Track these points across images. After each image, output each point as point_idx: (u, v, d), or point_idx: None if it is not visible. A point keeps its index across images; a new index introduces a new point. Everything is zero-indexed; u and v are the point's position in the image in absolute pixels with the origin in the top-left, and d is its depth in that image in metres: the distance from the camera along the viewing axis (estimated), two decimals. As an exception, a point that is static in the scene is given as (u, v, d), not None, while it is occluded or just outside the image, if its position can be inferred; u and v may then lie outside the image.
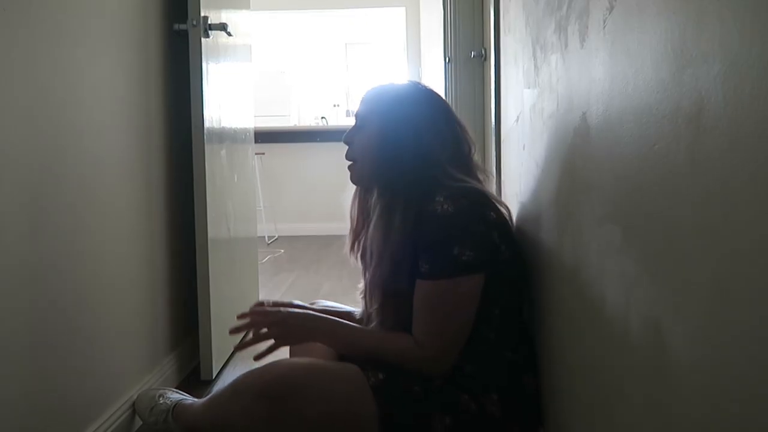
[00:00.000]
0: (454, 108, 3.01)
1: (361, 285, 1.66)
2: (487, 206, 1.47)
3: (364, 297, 1.62)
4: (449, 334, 1.46)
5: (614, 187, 1.01)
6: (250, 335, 1.53)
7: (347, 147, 1.62)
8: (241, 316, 1.53)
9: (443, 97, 1.66)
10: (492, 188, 1.64)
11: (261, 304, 1.57)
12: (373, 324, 1.56)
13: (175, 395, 1.85)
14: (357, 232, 1.67)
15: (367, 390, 1.42)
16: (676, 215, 0.77)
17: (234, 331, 1.54)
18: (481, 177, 1.60)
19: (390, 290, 1.50)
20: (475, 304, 1.46)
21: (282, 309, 1.55)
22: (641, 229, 0.90)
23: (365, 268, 1.62)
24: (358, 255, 1.67)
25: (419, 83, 1.66)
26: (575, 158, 1.24)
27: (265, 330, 1.52)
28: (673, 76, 0.77)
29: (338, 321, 1.56)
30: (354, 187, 1.68)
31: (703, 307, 0.71)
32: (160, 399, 1.81)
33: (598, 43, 1.07)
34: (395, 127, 1.54)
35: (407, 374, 1.46)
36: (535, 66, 1.59)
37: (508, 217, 1.54)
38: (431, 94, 1.63)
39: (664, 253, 0.81)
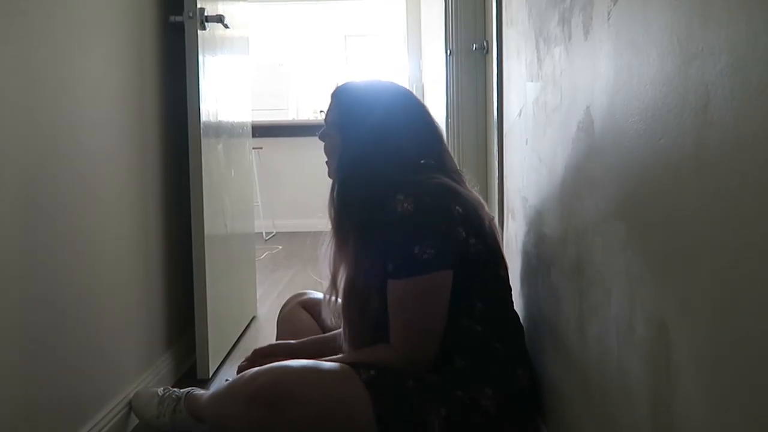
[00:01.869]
0: (455, 102, 3.02)
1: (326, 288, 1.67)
2: (451, 201, 1.48)
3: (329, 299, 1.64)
4: (417, 331, 1.49)
5: (619, 182, 1.01)
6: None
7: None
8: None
9: (412, 93, 1.69)
10: (470, 184, 1.65)
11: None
12: (346, 331, 1.59)
13: (178, 390, 1.87)
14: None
15: (360, 387, 1.44)
16: (681, 211, 0.77)
17: None
18: (455, 176, 1.61)
19: (358, 295, 1.54)
20: (444, 300, 1.48)
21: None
22: (646, 225, 0.90)
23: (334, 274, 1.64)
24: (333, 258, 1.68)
25: (385, 81, 1.70)
26: (579, 153, 1.24)
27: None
28: (678, 70, 0.77)
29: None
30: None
31: (709, 304, 0.71)
32: (166, 392, 1.82)
33: (603, 36, 1.07)
34: (355, 135, 1.58)
35: (398, 370, 1.47)
36: (538, 59, 1.59)
37: (479, 209, 1.54)
38: (397, 91, 1.66)
39: (670, 249, 0.82)
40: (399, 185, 1.48)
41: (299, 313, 1.95)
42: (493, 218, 1.60)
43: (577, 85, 1.24)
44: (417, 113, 1.64)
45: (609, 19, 1.03)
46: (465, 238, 1.48)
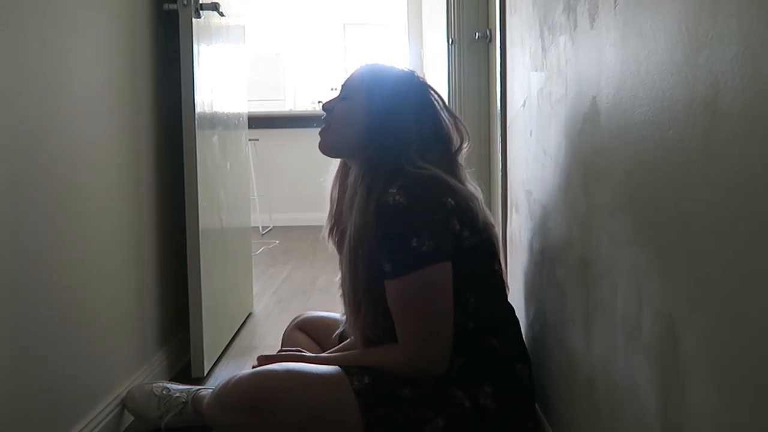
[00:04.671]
0: (457, 92, 3.02)
1: (339, 278, 1.66)
2: (443, 194, 1.47)
3: (342, 294, 1.63)
4: (429, 330, 1.46)
5: (626, 174, 1.01)
6: None
7: (325, 114, 1.67)
8: None
9: (438, 93, 1.67)
10: (472, 180, 1.64)
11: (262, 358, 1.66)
12: (354, 330, 1.58)
13: (175, 387, 1.88)
14: (336, 216, 1.70)
15: (349, 395, 1.43)
16: (690, 205, 0.77)
17: None
18: (462, 177, 1.60)
19: (365, 287, 1.52)
20: (448, 293, 1.46)
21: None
22: (654, 219, 0.90)
23: (341, 258, 1.63)
24: (336, 241, 1.70)
25: (416, 73, 1.69)
26: (585, 144, 1.24)
27: None
28: (687, 59, 0.77)
29: (328, 356, 1.60)
30: (336, 167, 1.72)
31: (718, 301, 0.71)
32: (164, 392, 1.84)
33: (609, 24, 1.07)
34: (380, 105, 1.57)
35: (397, 378, 1.47)
36: (543, 48, 1.58)
37: (471, 202, 1.53)
38: (424, 86, 1.65)
39: (678, 244, 0.81)
40: (397, 174, 1.48)
41: (297, 336, 1.97)
42: (487, 211, 1.59)
43: (583, 75, 1.24)
44: (440, 115, 1.63)
45: (615, 6, 1.03)
46: (459, 231, 1.47)
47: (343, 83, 1.68)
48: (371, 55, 8.59)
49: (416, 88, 1.63)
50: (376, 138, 1.55)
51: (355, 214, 1.52)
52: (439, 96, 1.67)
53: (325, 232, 1.70)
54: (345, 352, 1.61)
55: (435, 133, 1.61)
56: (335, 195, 1.70)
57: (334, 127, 1.64)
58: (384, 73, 1.65)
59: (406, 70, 1.69)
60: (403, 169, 1.50)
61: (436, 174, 1.51)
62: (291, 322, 2.04)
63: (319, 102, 7.59)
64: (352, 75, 1.67)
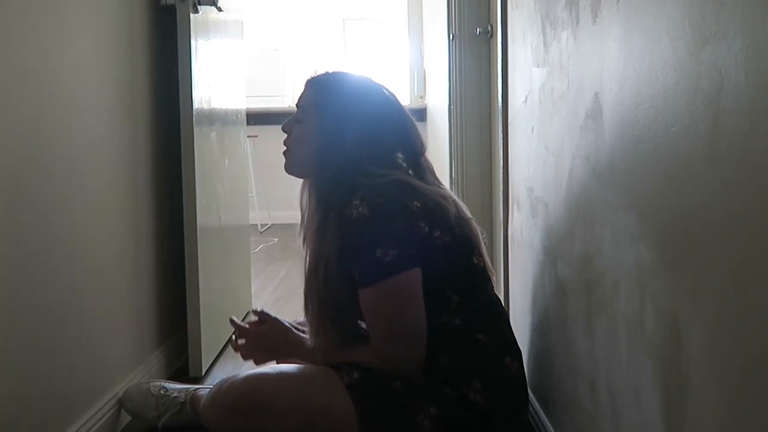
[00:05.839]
0: (458, 88, 3.02)
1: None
2: (408, 197, 1.49)
3: (305, 314, 1.65)
4: (400, 336, 1.50)
5: (629, 172, 1.01)
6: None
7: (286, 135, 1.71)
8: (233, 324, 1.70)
9: (394, 96, 1.69)
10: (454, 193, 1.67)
11: (255, 312, 1.71)
12: (317, 340, 1.60)
13: (173, 386, 1.89)
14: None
15: (341, 392, 1.46)
16: (694, 201, 0.77)
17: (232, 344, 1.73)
18: (430, 179, 1.63)
19: (326, 301, 1.55)
20: (417, 299, 1.49)
21: (263, 330, 1.68)
22: (657, 216, 0.90)
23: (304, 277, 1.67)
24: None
25: (371, 79, 1.71)
26: (587, 141, 1.23)
27: (243, 341, 1.68)
28: (691, 54, 0.77)
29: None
30: None
31: (722, 299, 0.71)
32: (161, 391, 1.85)
33: (612, 19, 1.07)
34: (331, 123, 1.60)
35: (384, 372, 1.49)
36: (545, 43, 1.58)
37: (440, 201, 1.54)
38: (381, 91, 1.67)
39: (683, 242, 0.81)
40: (358, 186, 1.50)
41: None
42: (462, 207, 1.61)
43: (585, 71, 1.24)
44: (398, 120, 1.66)
45: (618, 1, 1.03)
46: (428, 232, 1.48)
47: (297, 102, 1.70)
48: (371, 50, 8.60)
49: (373, 95, 1.65)
50: (329, 160, 1.58)
51: (312, 240, 1.58)
52: (398, 100, 1.69)
53: (300, 240, 1.72)
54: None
55: (396, 137, 1.64)
56: (305, 203, 1.71)
57: (292, 151, 1.69)
58: (335, 86, 1.67)
59: (361, 76, 1.70)
60: (360, 184, 1.51)
61: (398, 178, 1.54)
62: None
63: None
64: (303, 93, 1.69)
